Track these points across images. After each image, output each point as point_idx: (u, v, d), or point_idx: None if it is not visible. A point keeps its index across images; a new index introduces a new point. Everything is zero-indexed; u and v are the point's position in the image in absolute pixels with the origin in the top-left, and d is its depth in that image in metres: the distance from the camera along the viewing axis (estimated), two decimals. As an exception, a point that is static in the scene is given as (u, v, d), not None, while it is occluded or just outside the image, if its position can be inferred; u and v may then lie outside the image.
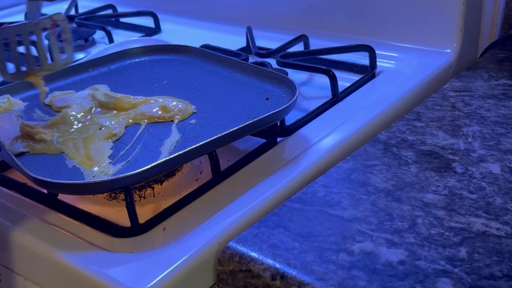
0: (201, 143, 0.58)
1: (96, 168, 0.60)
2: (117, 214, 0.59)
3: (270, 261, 0.49)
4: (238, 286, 0.51)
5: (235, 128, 0.60)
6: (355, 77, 0.83)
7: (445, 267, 0.47)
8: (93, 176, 0.59)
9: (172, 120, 0.68)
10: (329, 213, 0.54)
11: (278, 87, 0.72)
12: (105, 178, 0.58)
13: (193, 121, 0.68)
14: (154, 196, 0.62)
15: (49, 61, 0.70)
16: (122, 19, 1.14)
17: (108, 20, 1.13)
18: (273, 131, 0.68)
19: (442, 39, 0.88)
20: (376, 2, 0.92)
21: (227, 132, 0.60)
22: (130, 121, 0.68)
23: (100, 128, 0.67)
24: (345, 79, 0.82)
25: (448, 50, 0.88)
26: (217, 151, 0.61)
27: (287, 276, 0.47)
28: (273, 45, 0.91)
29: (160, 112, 0.69)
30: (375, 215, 0.54)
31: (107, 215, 0.58)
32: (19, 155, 0.63)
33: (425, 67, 0.85)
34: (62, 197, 0.61)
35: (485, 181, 0.57)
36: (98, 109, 0.70)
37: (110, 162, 0.61)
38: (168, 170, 0.59)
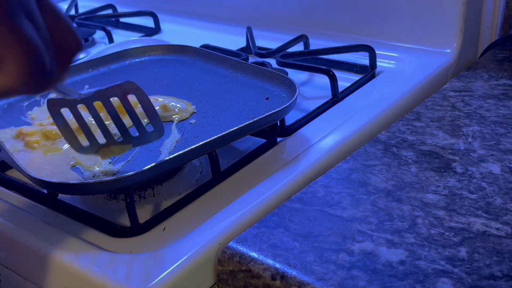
0: (201, 143, 0.58)
1: (96, 168, 0.60)
2: (117, 214, 0.59)
3: (270, 261, 0.49)
4: (238, 286, 0.51)
5: (235, 128, 0.60)
6: (355, 77, 0.83)
7: (445, 267, 0.47)
8: (93, 176, 0.59)
9: (171, 120, 0.68)
10: (329, 213, 0.54)
11: (278, 87, 0.72)
12: (105, 178, 0.58)
13: (193, 121, 0.68)
14: (154, 196, 0.62)
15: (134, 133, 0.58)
16: (122, 19, 1.14)
17: (108, 20, 1.13)
18: (273, 131, 0.68)
19: (442, 39, 0.88)
20: (376, 2, 0.92)
21: (227, 132, 0.60)
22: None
23: None
24: (345, 79, 0.82)
25: (448, 50, 0.88)
26: (217, 151, 0.61)
27: (287, 276, 0.47)
28: (273, 45, 0.91)
29: (160, 111, 0.69)
30: (375, 215, 0.54)
31: (107, 215, 0.58)
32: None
33: (425, 67, 0.85)
34: (62, 197, 0.61)
35: (485, 181, 0.57)
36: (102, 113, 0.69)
37: (110, 162, 0.61)
38: (168, 170, 0.59)
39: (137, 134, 0.57)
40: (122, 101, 0.56)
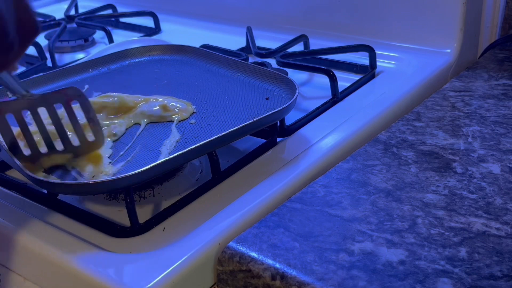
0: (201, 143, 0.58)
1: (96, 168, 0.60)
2: (117, 214, 0.59)
3: (270, 261, 0.49)
4: (238, 286, 0.51)
5: (235, 128, 0.60)
6: (355, 77, 0.83)
7: (445, 267, 0.47)
8: (93, 176, 0.59)
9: (171, 120, 0.68)
10: (329, 213, 0.54)
11: (278, 87, 0.72)
12: (105, 178, 0.58)
13: (193, 121, 0.68)
14: (154, 196, 0.62)
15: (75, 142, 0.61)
16: (122, 19, 1.14)
17: (108, 20, 1.13)
18: (273, 131, 0.68)
19: (442, 39, 0.88)
20: (376, 2, 0.92)
21: (227, 132, 0.60)
22: (132, 121, 0.68)
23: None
24: (345, 79, 0.82)
25: (448, 50, 0.88)
26: (217, 151, 0.61)
27: (287, 276, 0.47)
28: (273, 45, 0.91)
29: (160, 111, 0.69)
30: (375, 215, 0.54)
31: (107, 215, 0.58)
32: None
33: (425, 67, 0.85)
34: (62, 197, 0.61)
35: (485, 181, 0.57)
36: (102, 114, 0.69)
37: (110, 162, 0.61)
38: (168, 170, 0.59)
39: (78, 143, 0.61)
40: (66, 108, 0.59)
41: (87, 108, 0.60)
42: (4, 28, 0.45)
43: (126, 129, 0.67)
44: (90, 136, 0.62)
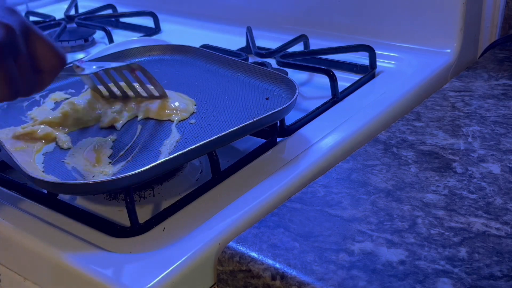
0: (201, 143, 0.58)
1: (96, 168, 0.60)
2: (117, 214, 0.59)
3: (270, 261, 0.49)
4: (238, 286, 0.51)
5: (235, 128, 0.60)
6: (355, 77, 0.83)
7: (445, 267, 0.47)
8: (93, 176, 0.59)
9: (171, 120, 0.68)
10: (329, 213, 0.54)
11: (278, 86, 0.72)
12: (105, 178, 0.58)
13: (193, 121, 0.68)
14: (154, 196, 0.62)
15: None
16: (122, 19, 1.14)
17: (108, 20, 1.13)
18: (273, 131, 0.68)
19: (442, 39, 0.88)
20: (376, 2, 0.92)
21: (227, 132, 0.60)
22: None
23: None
24: (345, 79, 0.82)
25: (448, 50, 0.88)
26: (217, 151, 0.61)
27: (287, 276, 0.47)
28: (273, 45, 0.91)
29: (160, 110, 0.69)
30: (375, 215, 0.54)
31: (107, 215, 0.58)
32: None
33: (425, 67, 0.85)
34: (62, 197, 0.61)
35: (485, 181, 0.57)
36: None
37: (110, 162, 0.61)
38: (168, 170, 0.59)
39: (146, 95, 0.72)
40: (132, 75, 0.70)
41: (148, 76, 0.70)
42: (15, 87, 0.51)
43: (128, 121, 0.69)
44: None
